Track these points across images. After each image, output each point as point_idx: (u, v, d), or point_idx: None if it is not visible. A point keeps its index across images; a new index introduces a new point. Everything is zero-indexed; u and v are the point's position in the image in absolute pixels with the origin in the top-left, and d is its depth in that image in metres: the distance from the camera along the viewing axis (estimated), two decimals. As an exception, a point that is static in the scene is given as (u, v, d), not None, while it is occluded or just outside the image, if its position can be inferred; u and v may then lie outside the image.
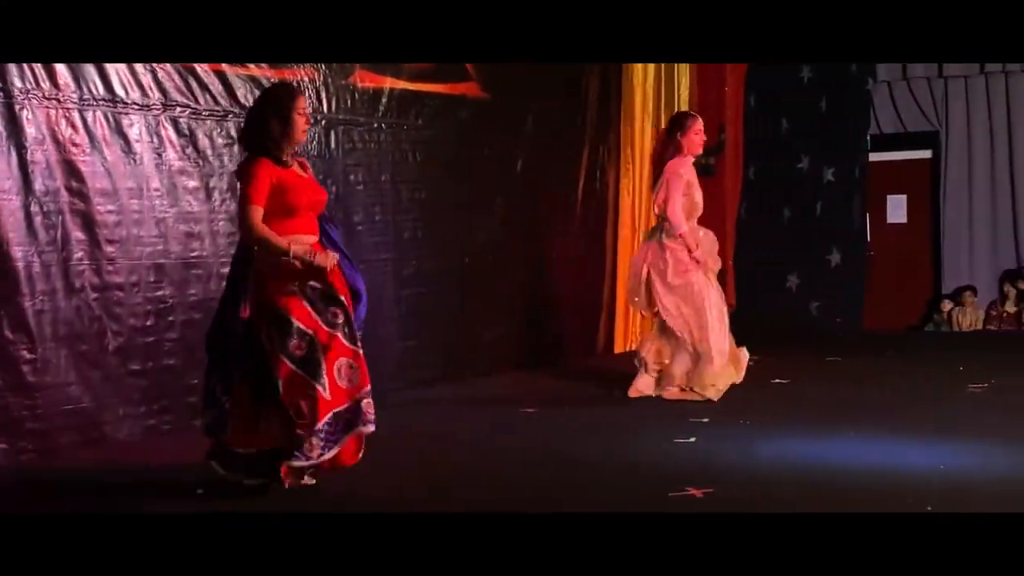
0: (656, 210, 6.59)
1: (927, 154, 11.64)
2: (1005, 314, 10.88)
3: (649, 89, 8.96)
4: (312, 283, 4.25)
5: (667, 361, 6.44)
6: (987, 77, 11.11)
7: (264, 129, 4.32)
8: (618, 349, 8.70)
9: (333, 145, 6.47)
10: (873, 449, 5.10)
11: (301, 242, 4.27)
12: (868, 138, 11.35)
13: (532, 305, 7.95)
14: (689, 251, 6.37)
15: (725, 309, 6.51)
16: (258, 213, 4.24)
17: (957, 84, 11.22)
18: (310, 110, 6.30)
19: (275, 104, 4.36)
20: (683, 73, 9.30)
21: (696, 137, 6.48)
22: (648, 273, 6.46)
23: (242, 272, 4.35)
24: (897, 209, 11.82)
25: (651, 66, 8.94)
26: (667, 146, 6.54)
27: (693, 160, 6.56)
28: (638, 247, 7.22)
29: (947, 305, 11.16)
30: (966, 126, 11.23)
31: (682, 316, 6.34)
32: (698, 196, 6.52)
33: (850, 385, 6.81)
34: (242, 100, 5.92)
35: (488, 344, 7.49)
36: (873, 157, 11.38)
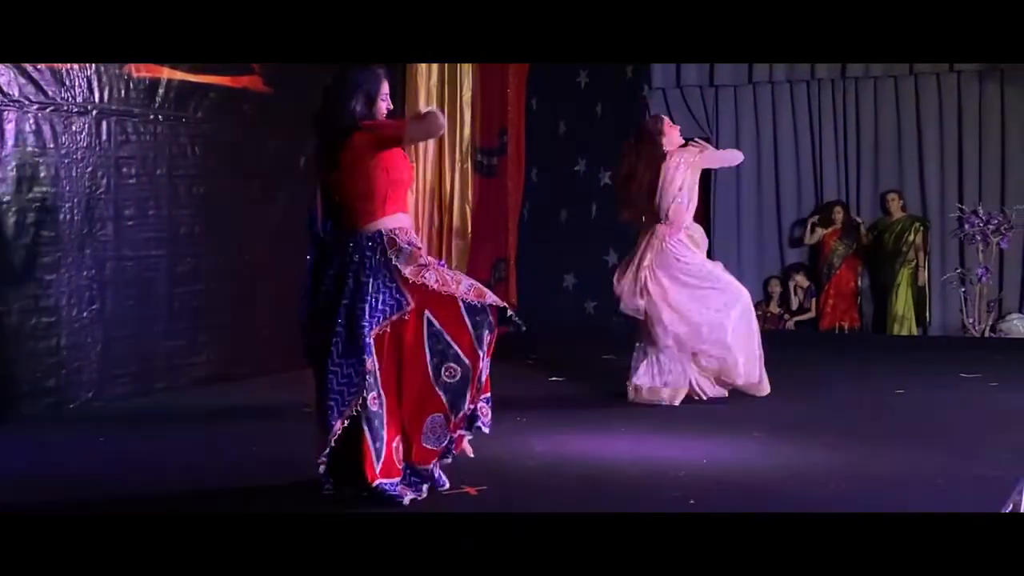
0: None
1: (699, 159, 12.07)
2: (769, 314, 11.42)
3: (433, 88, 8.98)
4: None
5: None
6: (755, 87, 11.64)
7: (346, 111, 4.19)
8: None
9: (105, 137, 6.24)
10: (643, 445, 5.28)
11: (402, 222, 4.26)
12: (643, 143, 11.69)
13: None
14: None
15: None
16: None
17: (727, 93, 11.72)
18: (80, 99, 6.09)
19: (359, 87, 4.24)
20: (466, 73, 9.38)
21: (672, 131, 6.42)
22: None
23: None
24: (671, 212, 12.23)
25: (435, 65, 8.97)
26: (651, 152, 6.35)
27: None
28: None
29: (716, 305, 11.62)
30: (735, 133, 11.73)
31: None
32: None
33: (623, 382, 7.00)
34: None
35: (269, 343, 7.35)
36: (649, 161, 11.72)
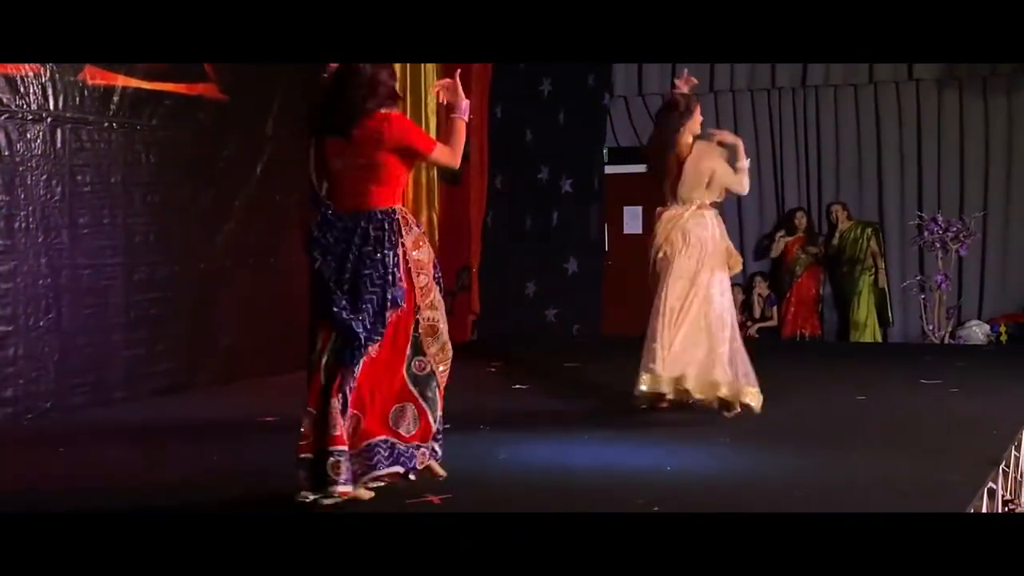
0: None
1: (661, 168, 12.08)
2: (732, 321, 11.44)
3: (395, 94, 8.92)
4: None
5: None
6: (716, 95, 11.68)
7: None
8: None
9: (59, 144, 6.16)
10: (607, 452, 5.26)
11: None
12: (605, 151, 11.73)
13: (272, 311, 7.79)
14: None
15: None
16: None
17: (688, 101, 11.73)
18: (35, 107, 6.01)
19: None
20: (430, 80, 9.33)
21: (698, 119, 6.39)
22: None
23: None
24: (633, 220, 12.25)
25: (396, 68, 8.89)
26: (677, 131, 6.31)
27: None
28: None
29: (679, 312, 11.64)
30: (696, 141, 11.74)
31: None
32: None
33: (587, 390, 6.99)
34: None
35: (226, 351, 7.29)
36: (610, 169, 11.76)
